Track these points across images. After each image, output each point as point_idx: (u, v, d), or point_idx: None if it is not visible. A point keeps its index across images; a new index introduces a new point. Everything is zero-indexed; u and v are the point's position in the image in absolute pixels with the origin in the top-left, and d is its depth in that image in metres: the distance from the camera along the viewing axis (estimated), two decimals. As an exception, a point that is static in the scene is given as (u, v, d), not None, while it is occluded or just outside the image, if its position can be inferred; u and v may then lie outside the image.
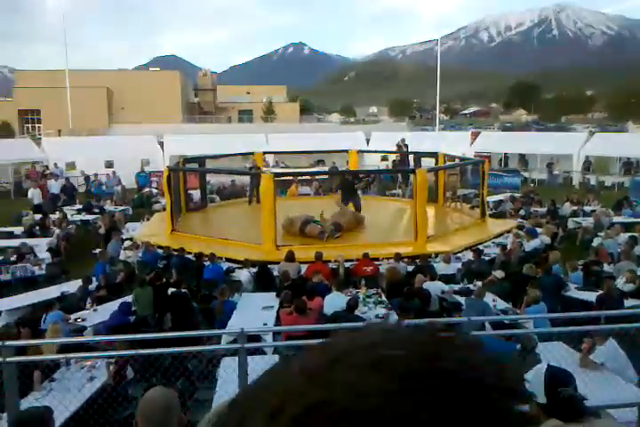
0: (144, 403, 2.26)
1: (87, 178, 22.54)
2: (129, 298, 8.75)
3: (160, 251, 11.65)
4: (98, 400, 5.43)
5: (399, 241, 12.54)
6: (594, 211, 15.78)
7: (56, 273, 10.80)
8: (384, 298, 9.11)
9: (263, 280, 10.19)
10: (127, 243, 12.07)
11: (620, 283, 9.14)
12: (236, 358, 4.67)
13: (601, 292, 8.58)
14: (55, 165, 23.83)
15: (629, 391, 5.46)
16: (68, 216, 15.76)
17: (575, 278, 9.90)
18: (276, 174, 14.07)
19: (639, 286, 8.92)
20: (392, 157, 25.12)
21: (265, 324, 7.66)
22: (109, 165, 23.80)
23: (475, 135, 30.04)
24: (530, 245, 12.11)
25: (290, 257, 10.37)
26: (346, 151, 20.36)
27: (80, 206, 17.71)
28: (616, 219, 15.21)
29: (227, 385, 5.30)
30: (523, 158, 27.00)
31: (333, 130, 41.69)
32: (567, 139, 27.99)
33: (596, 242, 12.41)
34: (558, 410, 2.14)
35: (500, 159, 27.41)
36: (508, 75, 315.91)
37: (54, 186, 20.46)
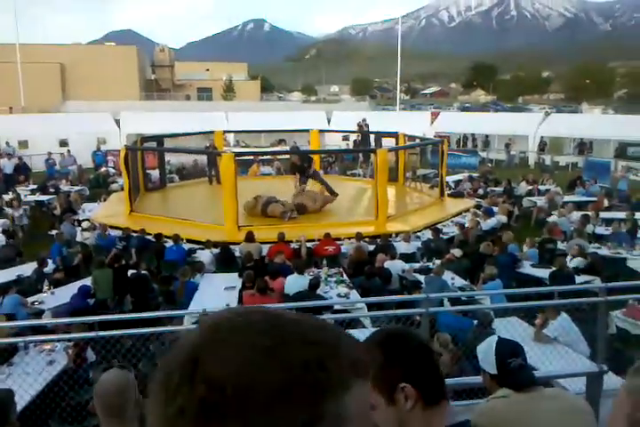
0: (99, 386, 2.19)
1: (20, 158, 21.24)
2: (87, 281, 8.62)
3: (115, 234, 11.43)
4: (59, 384, 5.37)
5: (360, 221, 12.65)
6: (548, 190, 16.22)
7: (10, 255, 10.51)
8: (345, 277, 9.22)
9: (225, 261, 10.16)
10: (85, 224, 11.81)
11: (569, 259, 9.49)
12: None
13: (554, 268, 8.89)
14: (7, 143, 23.00)
15: (581, 363, 5.70)
16: (22, 197, 15.32)
17: (531, 255, 10.18)
18: (237, 154, 13.94)
19: (589, 262, 9.26)
20: (353, 136, 25.17)
21: (227, 304, 7.66)
22: (64, 143, 23.09)
23: (435, 115, 30.29)
24: (487, 223, 12.39)
25: (249, 237, 10.34)
26: (307, 131, 20.28)
27: (34, 186, 17.21)
28: (569, 198, 15.68)
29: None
30: (485, 138, 27.37)
31: (295, 109, 41.36)
32: (524, 119, 28.54)
33: (550, 220, 12.78)
34: (509, 380, 2.23)
35: (459, 139, 27.76)
36: (467, 55, 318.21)
37: (8, 165, 19.78)
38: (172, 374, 0.58)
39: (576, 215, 12.60)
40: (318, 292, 8.09)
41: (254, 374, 0.55)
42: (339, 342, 0.61)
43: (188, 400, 0.55)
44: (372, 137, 21.08)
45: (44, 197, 15.70)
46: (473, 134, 27.69)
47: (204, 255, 10.15)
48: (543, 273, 9.09)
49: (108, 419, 2.10)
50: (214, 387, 0.55)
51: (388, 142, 17.97)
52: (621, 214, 12.82)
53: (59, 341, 6.03)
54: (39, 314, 7.51)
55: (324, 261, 9.88)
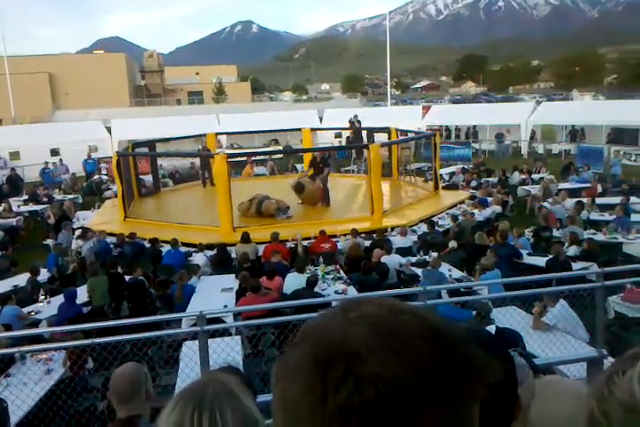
0: (114, 375, 2.42)
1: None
2: (83, 288, 8.58)
3: (110, 240, 11.40)
4: (57, 392, 5.33)
5: (356, 217, 12.63)
6: (542, 179, 16.20)
7: (5, 266, 10.46)
8: (342, 274, 9.19)
9: (221, 262, 10.13)
10: (78, 232, 11.77)
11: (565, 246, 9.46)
12: (197, 342, 4.63)
13: (550, 256, 8.86)
14: (-2, 155, 22.94)
15: (580, 349, 5.68)
16: (15, 207, 15.25)
17: (523, 244, 10.14)
18: (230, 155, 13.91)
19: (584, 249, 9.24)
20: (346, 133, 25.14)
21: (225, 306, 7.63)
22: (55, 153, 23.02)
23: (426, 109, 30.28)
24: (482, 214, 12.37)
25: (245, 238, 10.31)
26: (299, 130, 20.26)
27: (27, 197, 17.14)
28: (563, 185, 15.67)
29: (188, 369, 5.28)
30: (473, 129, 27.25)
31: (286, 108, 41.33)
32: (515, 109, 28.51)
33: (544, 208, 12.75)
34: (508, 370, 2.19)
35: (449, 132, 27.75)
36: (456, 48, 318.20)
37: (-3, 177, 19.76)
38: (334, 369, 0.55)
39: (570, 202, 12.58)
40: (316, 289, 8.06)
41: (423, 378, 0.55)
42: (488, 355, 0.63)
43: (351, 401, 0.54)
44: (364, 133, 21.05)
45: (38, 207, 15.65)
46: (457, 126, 27.65)
47: (199, 258, 10.11)
48: (540, 261, 9.06)
49: (120, 406, 2.34)
50: (384, 389, 0.54)
51: (381, 138, 17.95)
52: (617, 199, 12.79)
53: (55, 349, 5.98)
54: (36, 324, 7.46)
55: (321, 259, 9.85)
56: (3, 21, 36.49)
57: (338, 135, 26.26)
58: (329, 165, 14.98)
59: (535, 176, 17.12)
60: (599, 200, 13.09)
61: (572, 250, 9.31)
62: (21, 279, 9.28)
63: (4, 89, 37.80)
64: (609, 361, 4.58)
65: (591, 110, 25.61)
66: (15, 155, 23.19)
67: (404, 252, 10.25)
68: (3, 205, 15.18)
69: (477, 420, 0.60)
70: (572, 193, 14.17)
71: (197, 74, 74.78)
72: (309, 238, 10.79)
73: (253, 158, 20.86)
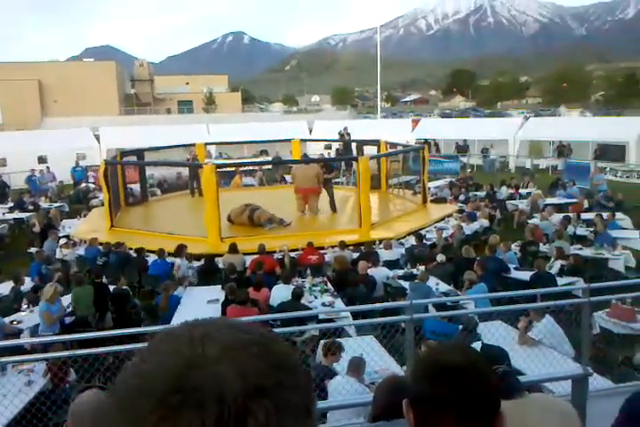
0: (74, 406, 2.12)
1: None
2: (67, 298, 8.46)
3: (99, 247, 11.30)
4: (36, 405, 5.22)
5: (344, 229, 12.61)
6: (529, 193, 16.30)
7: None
8: (330, 286, 9.15)
9: (208, 273, 10.05)
10: (63, 241, 11.65)
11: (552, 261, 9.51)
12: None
13: (534, 271, 8.89)
14: (-17, 163, 22.70)
15: (566, 365, 5.67)
16: (0, 215, 15.09)
17: (510, 259, 10.17)
18: (218, 165, 13.87)
19: (571, 264, 9.28)
20: (335, 145, 25.21)
21: (210, 317, 7.55)
22: (42, 160, 22.85)
23: (415, 122, 30.46)
24: (469, 228, 12.41)
25: (233, 249, 10.26)
26: (289, 141, 20.28)
27: (12, 204, 16.96)
28: (550, 200, 15.78)
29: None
30: (457, 144, 27.23)
31: (276, 119, 41.40)
32: (503, 124, 28.76)
33: (530, 223, 12.81)
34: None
35: (436, 144, 27.64)
36: (446, 62, 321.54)
37: (-18, 185, 19.56)
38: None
39: (557, 217, 12.65)
40: (303, 302, 8.01)
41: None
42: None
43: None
44: (353, 145, 21.12)
45: (24, 215, 15.47)
46: (434, 140, 27.47)
47: (185, 268, 10.01)
48: (527, 276, 9.08)
49: None
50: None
51: (370, 150, 18.00)
52: (603, 215, 12.85)
53: (36, 361, 5.88)
54: (17, 334, 7.34)
55: (308, 271, 9.81)
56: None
57: (327, 147, 26.33)
58: (333, 170, 15.09)
59: (523, 191, 17.24)
60: (585, 216, 13.18)
61: (558, 265, 9.35)
62: (4, 288, 9.15)
63: (-8, 95, 37.63)
64: (594, 379, 4.58)
65: (578, 126, 25.91)
66: (1, 161, 22.99)
67: (391, 264, 10.24)
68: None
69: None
70: (559, 208, 14.27)
71: (187, 84, 74.79)
72: (297, 250, 10.75)
73: (242, 169, 20.83)
